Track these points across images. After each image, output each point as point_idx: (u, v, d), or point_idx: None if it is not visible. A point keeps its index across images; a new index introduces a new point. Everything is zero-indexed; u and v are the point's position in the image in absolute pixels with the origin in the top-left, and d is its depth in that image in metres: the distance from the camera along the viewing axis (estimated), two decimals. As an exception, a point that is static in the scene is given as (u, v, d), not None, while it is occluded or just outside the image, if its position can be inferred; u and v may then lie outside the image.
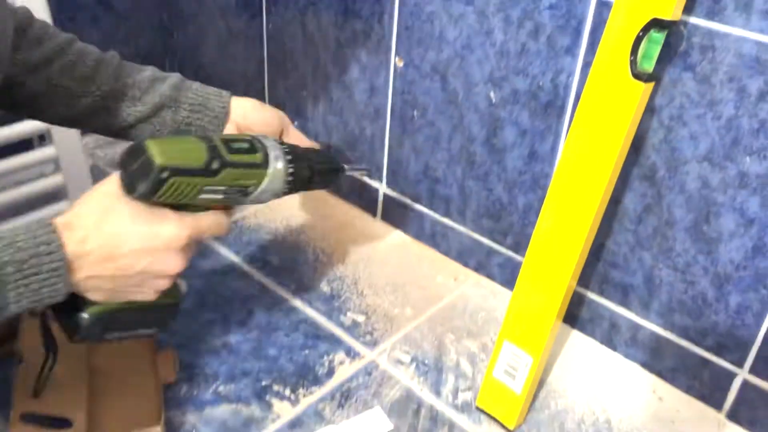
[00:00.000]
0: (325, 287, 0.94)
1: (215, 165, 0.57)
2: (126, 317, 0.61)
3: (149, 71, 0.76)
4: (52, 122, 0.76)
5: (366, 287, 0.95)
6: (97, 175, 1.12)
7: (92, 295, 0.57)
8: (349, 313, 0.90)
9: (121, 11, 1.21)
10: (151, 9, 1.25)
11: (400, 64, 0.94)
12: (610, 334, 0.87)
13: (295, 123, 0.87)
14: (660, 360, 0.83)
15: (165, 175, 0.54)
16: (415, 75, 0.93)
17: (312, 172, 0.67)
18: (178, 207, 0.58)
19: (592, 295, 0.87)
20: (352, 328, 0.88)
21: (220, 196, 0.59)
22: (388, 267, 0.99)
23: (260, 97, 1.18)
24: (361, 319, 0.89)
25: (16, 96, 0.71)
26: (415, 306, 0.92)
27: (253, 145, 0.61)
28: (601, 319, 0.87)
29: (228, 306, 0.90)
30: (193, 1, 1.22)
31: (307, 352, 0.83)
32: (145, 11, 1.24)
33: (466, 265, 1.00)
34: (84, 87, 0.72)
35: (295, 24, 1.06)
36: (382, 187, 1.07)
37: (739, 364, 0.76)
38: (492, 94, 0.86)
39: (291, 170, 0.64)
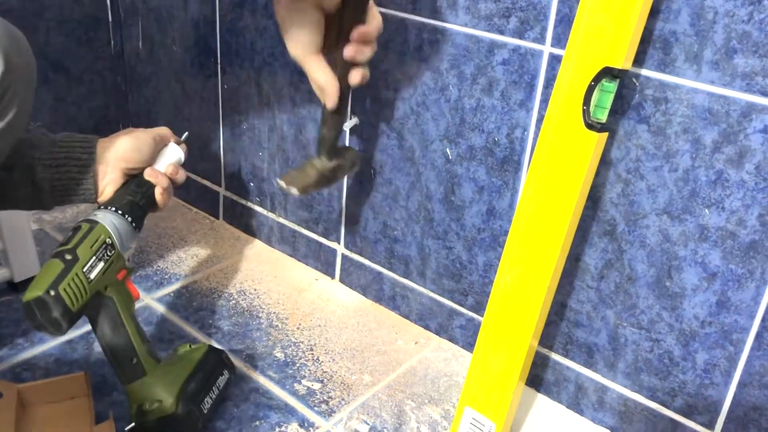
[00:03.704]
0: (278, 353, 0.90)
1: (68, 256, 0.68)
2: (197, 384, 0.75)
3: None
4: None
5: (322, 353, 0.90)
6: (43, 239, 1.08)
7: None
8: (303, 381, 0.85)
9: (75, 73, 1.19)
10: (105, 71, 1.23)
11: (357, 121, 0.93)
12: (577, 398, 0.83)
13: (185, 134, 0.85)
14: (629, 424, 0.79)
15: (52, 293, 0.65)
16: (371, 132, 0.92)
17: (134, 196, 0.76)
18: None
19: (556, 357, 0.83)
20: (307, 397, 0.83)
21: (102, 263, 0.70)
22: (346, 331, 0.95)
23: (215, 157, 1.15)
24: (316, 386, 0.85)
25: None
26: (373, 372, 0.88)
27: (77, 224, 0.72)
28: (566, 381, 0.83)
29: (174, 375, 0.84)
30: (148, 64, 1.21)
31: (257, 423, 0.78)
32: (100, 73, 1.23)
33: (426, 327, 0.96)
34: None
35: (250, 84, 1.05)
36: (339, 248, 1.03)
37: (710, 426, 0.73)
38: (448, 151, 0.84)
39: (114, 209, 0.74)
